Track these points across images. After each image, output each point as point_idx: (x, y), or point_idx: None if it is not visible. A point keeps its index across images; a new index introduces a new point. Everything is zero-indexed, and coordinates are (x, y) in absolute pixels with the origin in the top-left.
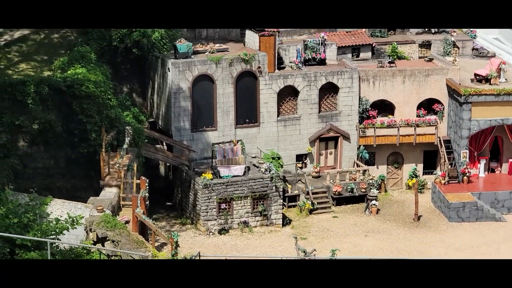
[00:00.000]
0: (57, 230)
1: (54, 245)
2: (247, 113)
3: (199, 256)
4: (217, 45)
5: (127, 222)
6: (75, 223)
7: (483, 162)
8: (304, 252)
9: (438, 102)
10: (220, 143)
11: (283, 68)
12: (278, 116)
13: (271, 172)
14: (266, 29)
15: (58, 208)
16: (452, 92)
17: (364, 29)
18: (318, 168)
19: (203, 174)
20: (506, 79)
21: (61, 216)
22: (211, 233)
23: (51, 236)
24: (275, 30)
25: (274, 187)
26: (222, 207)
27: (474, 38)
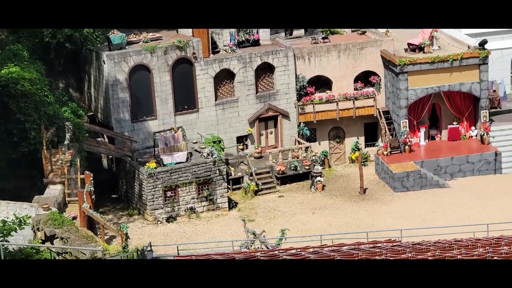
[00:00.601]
0: (4, 232)
1: (3, 247)
2: (185, 99)
3: (150, 246)
4: (150, 34)
5: (74, 218)
6: (22, 224)
7: (423, 130)
8: (253, 234)
9: (375, 74)
10: (161, 131)
11: (218, 52)
12: (216, 100)
13: (214, 156)
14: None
15: (3, 210)
16: (387, 63)
17: None
18: (260, 148)
19: (146, 164)
20: (439, 47)
21: (7, 218)
22: (159, 222)
23: None
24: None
25: (217, 171)
26: (168, 195)
27: None
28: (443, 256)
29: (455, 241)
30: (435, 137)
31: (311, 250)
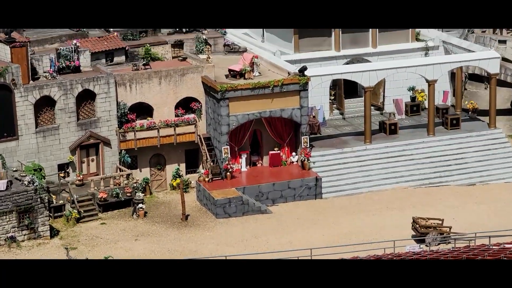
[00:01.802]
0: None
1: None
2: (4, 126)
3: None
4: None
5: None
6: None
7: (244, 156)
8: None
9: (196, 100)
10: None
11: (38, 78)
12: (36, 127)
13: (35, 184)
14: (17, 40)
15: None
16: (209, 89)
17: (116, 33)
18: (81, 176)
19: None
20: (259, 73)
21: None
22: None
23: None
24: (27, 40)
25: (39, 199)
26: None
27: (225, 34)
28: None
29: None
30: (257, 163)
31: None
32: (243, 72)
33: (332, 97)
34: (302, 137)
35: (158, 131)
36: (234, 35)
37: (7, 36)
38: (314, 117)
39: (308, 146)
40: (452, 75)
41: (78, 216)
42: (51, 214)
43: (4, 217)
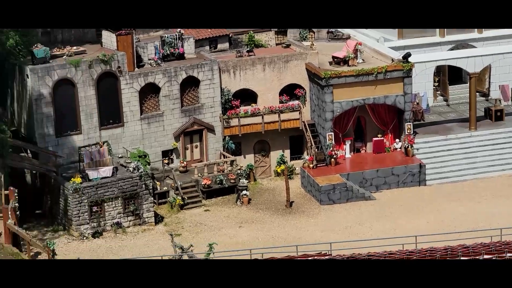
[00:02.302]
0: None
1: None
2: (110, 114)
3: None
4: (74, 47)
5: None
6: None
7: (348, 143)
8: (181, 248)
9: (300, 87)
10: (86, 146)
11: (143, 66)
12: (141, 114)
13: (140, 171)
14: (122, 28)
15: None
16: (313, 76)
17: None
18: (185, 162)
19: (72, 179)
20: (363, 60)
21: None
22: (84, 238)
23: None
24: (132, 28)
25: (143, 185)
26: (94, 210)
27: None
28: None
29: (388, 254)
30: (360, 149)
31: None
32: (347, 59)
33: (436, 84)
34: (406, 123)
35: (262, 118)
36: None
37: None
38: (417, 103)
39: (412, 132)
40: None
41: (182, 202)
42: (155, 201)
43: (110, 203)
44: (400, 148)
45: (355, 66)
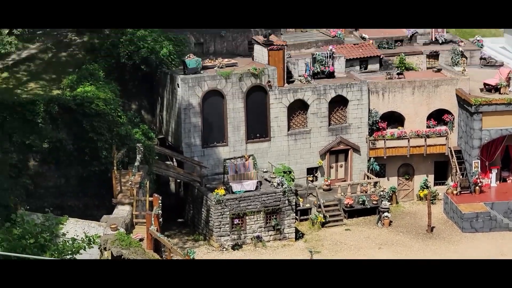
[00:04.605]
0: (73, 249)
1: None
2: (257, 127)
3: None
4: (226, 60)
5: (141, 240)
6: (91, 243)
7: (494, 171)
8: None
9: (448, 112)
10: (231, 158)
11: (292, 82)
12: (288, 130)
13: (284, 186)
14: (274, 44)
15: (71, 227)
16: (462, 102)
17: (371, 41)
18: (329, 181)
19: (215, 190)
20: None
21: (77, 236)
22: (224, 249)
23: (67, 256)
24: (284, 43)
25: (286, 201)
26: (235, 222)
27: (481, 47)
28: None
29: None
30: (507, 179)
31: None
32: (499, 86)
33: None
34: None
35: (408, 141)
36: (491, 49)
37: (266, 39)
38: None
39: None
40: None
41: (323, 220)
42: (297, 217)
43: (252, 216)
44: None
45: (507, 94)
